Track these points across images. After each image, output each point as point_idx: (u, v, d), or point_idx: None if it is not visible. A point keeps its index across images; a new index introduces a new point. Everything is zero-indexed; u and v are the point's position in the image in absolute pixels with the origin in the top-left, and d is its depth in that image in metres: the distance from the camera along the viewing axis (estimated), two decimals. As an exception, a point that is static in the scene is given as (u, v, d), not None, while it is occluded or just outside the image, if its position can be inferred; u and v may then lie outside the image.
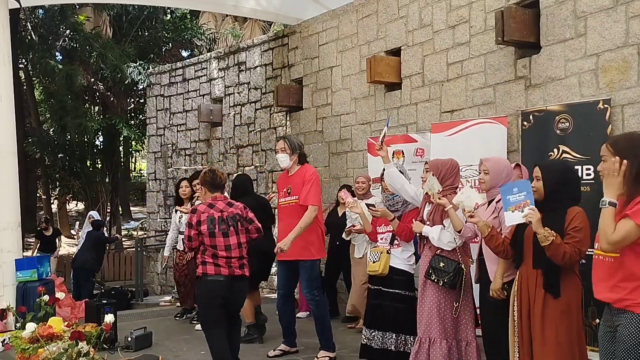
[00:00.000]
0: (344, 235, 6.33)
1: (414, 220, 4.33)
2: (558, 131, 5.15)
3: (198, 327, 5.71)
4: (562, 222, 3.20)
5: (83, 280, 9.46)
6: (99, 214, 12.74)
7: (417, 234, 4.31)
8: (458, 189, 4.14)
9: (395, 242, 4.59)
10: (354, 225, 6.14)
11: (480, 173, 3.96)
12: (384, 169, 4.76)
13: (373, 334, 4.57)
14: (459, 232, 3.97)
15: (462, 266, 4.03)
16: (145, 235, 13.18)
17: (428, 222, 4.16)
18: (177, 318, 7.19)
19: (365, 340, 4.63)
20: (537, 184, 3.34)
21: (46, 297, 5.87)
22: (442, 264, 4.02)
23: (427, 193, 4.14)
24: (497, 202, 3.76)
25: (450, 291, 4.05)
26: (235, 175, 5.95)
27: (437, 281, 4.02)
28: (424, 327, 4.11)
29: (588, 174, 4.82)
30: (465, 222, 3.85)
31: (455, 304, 4.07)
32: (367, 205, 4.79)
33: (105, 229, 12.66)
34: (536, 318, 3.24)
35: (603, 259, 2.70)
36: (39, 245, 11.69)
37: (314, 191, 4.89)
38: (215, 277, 4.28)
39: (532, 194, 3.22)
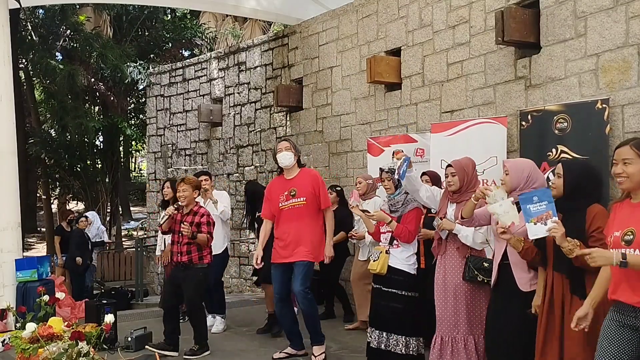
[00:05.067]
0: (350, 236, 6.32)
1: (438, 218, 4.28)
2: (556, 131, 5.15)
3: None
4: (582, 222, 3.09)
5: (73, 279, 9.58)
6: (99, 214, 12.69)
7: (438, 235, 4.27)
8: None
9: (395, 242, 4.58)
10: (356, 232, 6.17)
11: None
12: (381, 169, 4.76)
13: (373, 332, 4.61)
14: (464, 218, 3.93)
15: None
16: (145, 235, 13.17)
17: (457, 222, 4.12)
18: None
19: (368, 339, 4.67)
20: (558, 181, 3.23)
21: (46, 297, 5.86)
22: (486, 264, 4.01)
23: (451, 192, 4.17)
24: None
25: (482, 289, 4.08)
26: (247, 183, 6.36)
27: (486, 282, 3.99)
28: (451, 327, 4.12)
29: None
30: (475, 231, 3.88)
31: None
32: (362, 210, 4.79)
33: (105, 229, 12.66)
34: (567, 319, 3.10)
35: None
36: (60, 242, 10.13)
37: (326, 193, 5.24)
38: None
39: (554, 203, 3.04)
